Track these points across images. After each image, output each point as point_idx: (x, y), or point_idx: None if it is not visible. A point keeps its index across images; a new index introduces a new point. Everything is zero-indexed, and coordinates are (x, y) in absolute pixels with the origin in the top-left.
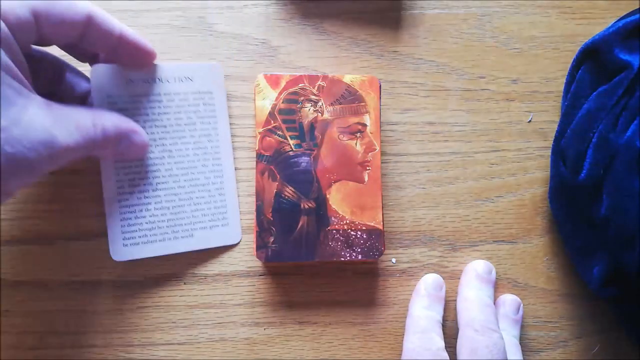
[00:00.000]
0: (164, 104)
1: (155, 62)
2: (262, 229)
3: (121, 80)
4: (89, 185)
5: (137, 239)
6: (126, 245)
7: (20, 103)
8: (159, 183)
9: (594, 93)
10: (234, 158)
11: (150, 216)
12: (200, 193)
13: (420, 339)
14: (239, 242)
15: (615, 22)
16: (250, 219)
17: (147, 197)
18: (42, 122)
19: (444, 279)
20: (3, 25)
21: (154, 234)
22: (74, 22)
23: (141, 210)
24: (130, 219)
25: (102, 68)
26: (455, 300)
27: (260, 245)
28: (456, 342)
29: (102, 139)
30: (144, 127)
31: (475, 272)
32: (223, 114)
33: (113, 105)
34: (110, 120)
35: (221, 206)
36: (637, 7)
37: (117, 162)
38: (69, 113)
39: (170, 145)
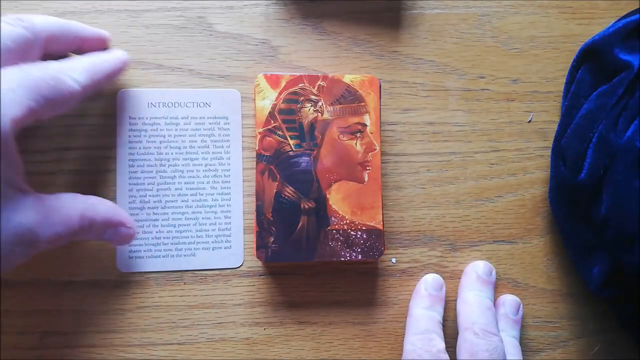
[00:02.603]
0: (181, 126)
1: (176, 88)
2: (262, 229)
3: (143, 104)
4: (89, 185)
5: (142, 252)
6: (132, 257)
7: (11, 206)
8: (168, 201)
9: (594, 93)
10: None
11: (157, 232)
12: (207, 214)
13: (421, 339)
14: (240, 266)
15: (615, 22)
16: (251, 219)
17: (155, 214)
18: (27, 222)
19: (444, 279)
20: (3, 131)
21: (158, 250)
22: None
23: (149, 226)
24: (138, 233)
25: (126, 92)
26: (455, 301)
27: (260, 245)
28: (456, 343)
29: (87, 231)
30: (159, 148)
31: (476, 273)
32: (237, 139)
33: (133, 126)
34: (101, 214)
35: (226, 229)
36: (637, 7)
37: (131, 179)
38: (58, 207)
39: (183, 166)
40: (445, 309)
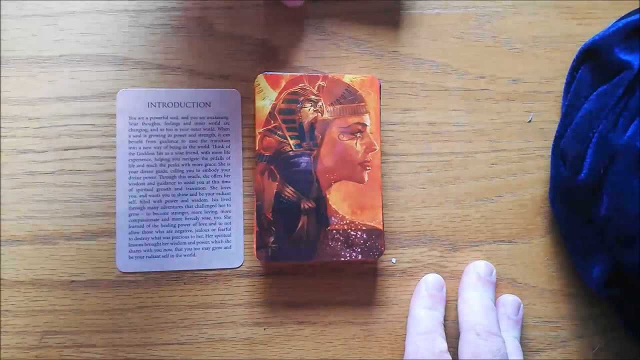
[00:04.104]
0: (181, 127)
1: (176, 88)
2: (262, 229)
3: (142, 104)
4: (89, 186)
5: (142, 252)
6: (132, 257)
7: None
8: (168, 201)
9: (594, 93)
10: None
11: (157, 232)
12: (207, 214)
13: (423, 340)
14: (240, 266)
15: (615, 22)
16: (251, 219)
17: (155, 214)
18: None
19: (444, 279)
20: None
21: (158, 250)
22: None
23: (149, 226)
24: (138, 233)
25: (126, 92)
26: (456, 301)
27: (260, 245)
28: (456, 343)
29: None
30: (159, 148)
31: (477, 273)
32: (237, 139)
33: (133, 126)
34: None
35: (225, 229)
36: (637, 7)
37: (131, 179)
38: None
39: (183, 166)
40: (446, 309)
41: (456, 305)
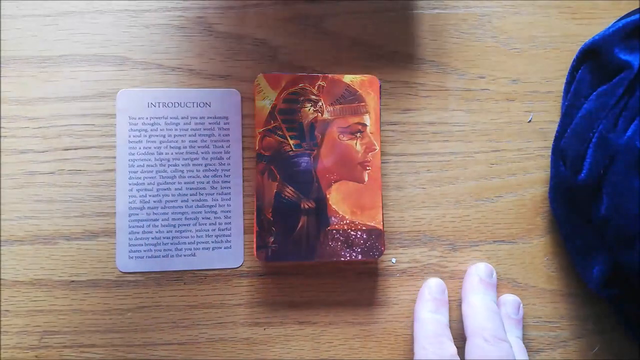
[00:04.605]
0: (181, 126)
1: (176, 88)
2: (262, 229)
3: (142, 104)
4: (89, 185)
5: (142, 252)
6: (132, 257)
7: None
8: (168, 201)
9: (594, 93)
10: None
11: (157, 232)
12: (207, 214)
13: (432, 344)
14: (240, 266)
15: (615, 22)
16: (251, 219)
17: (155, 214)
18: None
19: (444, 279)
20: None
21: (158, 250)
22: None
23: (149, 226)
24: (138, 233)
25: (126, 92)
26: (457, 301)
27: (260, 245)
28: (460, 343)
29: None
30: (159, 148)
31: (478, 276)
32: (237, 139)
33: (133, 126)
34: None
35: (225, 229)
36: (637, 7)
37: (131, 179)
38: None
39: (183, 166)
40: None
41: (457, 306)
